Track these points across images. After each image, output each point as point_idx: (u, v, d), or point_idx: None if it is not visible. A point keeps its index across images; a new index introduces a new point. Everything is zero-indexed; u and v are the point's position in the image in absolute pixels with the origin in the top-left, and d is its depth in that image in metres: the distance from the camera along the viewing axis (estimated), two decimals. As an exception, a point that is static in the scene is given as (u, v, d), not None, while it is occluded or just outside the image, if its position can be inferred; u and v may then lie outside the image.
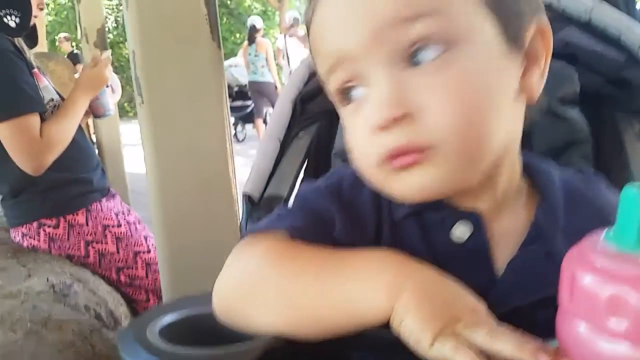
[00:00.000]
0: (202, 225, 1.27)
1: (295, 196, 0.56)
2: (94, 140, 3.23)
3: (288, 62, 7.06)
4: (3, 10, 1.42)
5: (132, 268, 1.58)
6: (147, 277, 1.58)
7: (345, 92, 0.48)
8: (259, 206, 0.89)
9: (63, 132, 1.48)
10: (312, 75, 1.04)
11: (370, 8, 0.44)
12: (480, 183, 0.48)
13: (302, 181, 0.95)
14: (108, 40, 3.48)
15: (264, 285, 0.45)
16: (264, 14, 12.55)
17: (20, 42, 1.50)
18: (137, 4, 1.13)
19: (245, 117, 7.64)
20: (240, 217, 0.94)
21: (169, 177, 1.24)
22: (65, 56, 5.18)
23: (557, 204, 0.50)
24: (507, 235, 0.50)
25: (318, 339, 0.42)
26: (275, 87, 6.77)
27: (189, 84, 1.20)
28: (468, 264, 0.47)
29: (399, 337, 0.39)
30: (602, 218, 0.37)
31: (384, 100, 0.45)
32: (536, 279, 0.47)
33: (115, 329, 1.35)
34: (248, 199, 0.89)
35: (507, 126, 0.46)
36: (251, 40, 6.78)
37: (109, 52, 1.66)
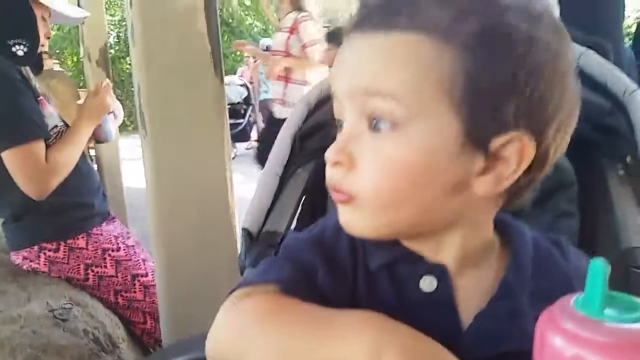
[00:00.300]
0: (202, 253, 1.30)
1: (282, 246, 0.59)
2: (93, 154, 3.26)
3: None
4: (12, 40, 1.46)
5: (130, 291, 1.60)
6: (144, 299, 1.61)
7: (339, 124, 0.53)
8: (257, 241, 0.92)
9: (67, 157, 1.52)
10: (311, 112, 1.08)
11: (353, 69, 0.50)
12: (432, 235, 0.53)
13: (297, 220, 0.99)
14: (109, 55, 3.52)
15: (253, 344, 0.48)
16: (264, 32, 12.68)
17: (26, 69, 1.55)
18: (142, 38, 1.17)
19: (237, 135, 7.71)
20: (239, 248, 0.98)
21: (170, 209, 1.28)
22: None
23: (527, 265, 0.54)
24: (476, 289, 0.53)
25: None
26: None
27: (192, 119, 1.24)
28: (436, 314, 0.51)
29: None
30: (568, 283, 0.41)
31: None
32: (501, 334, 0.50)
33: (113, 352, 1.37)
34: (247, 233, 0.93)
35: (436, 206, 0.50)
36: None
37: (108, 81, 1.71)
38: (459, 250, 0.53)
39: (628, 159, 0.85)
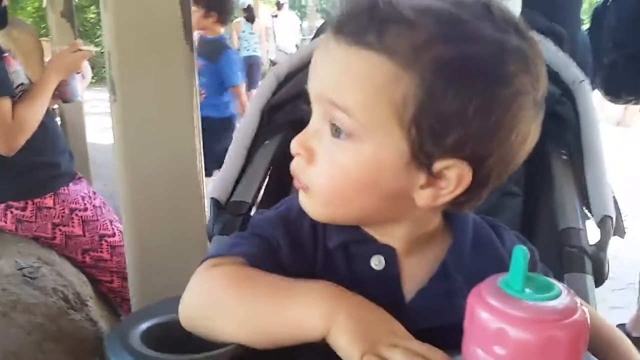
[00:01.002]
0: (170, 220, 1.34)
1: (250, 223, 0.65)
2: (56, 106, 3.22)
3: (274, 39, 8.14)
4: (-25, -4, 1.44)
5: (97, 251, 1.64)
6: (111, 259, 1.65)
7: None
8: (225, 210, 0.97)
9: (34, 113, 1.52)
10: (280, 85, 1.12)
11: (319, 76, 0.55)
12: (377, 225, 0.59)
13: (264, 192, 1.04)
14: (74, 4, 3.42)
15: (224, 306, 0.54)
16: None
17: (-10, 25, 1.53)
18: (114, 7, 1.18)
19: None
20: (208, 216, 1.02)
21: (138, 173, 1.31)
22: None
23: (464, 247, 0.61)
24: (420, 268, 0.60)
25: (268, 348, 0.52)
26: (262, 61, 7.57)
27: (162, 85, 1.26)
28: (383, 289, 0.57)
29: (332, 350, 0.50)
30: (503, 265, 0.47)
31: (300, 136, 0.57)
32: (438, 309, 0.57)
33: (81, 310, 1.42)
34: (215, 202, 0.97)
35: (378, 209, 0.56)
36: (249, 19, 7.23)
37: (96, 49, 1.70)
38: (405, 237, 0.59)
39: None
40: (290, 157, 1.08)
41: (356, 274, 0.58)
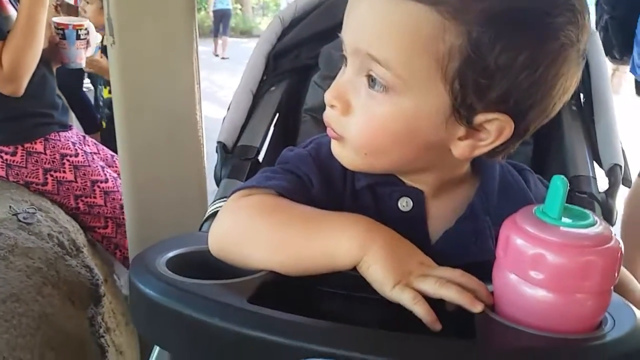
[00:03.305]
0: (169, 166, 1.32)
1: (280, 159, 0.64)
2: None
3: None
4: None
5: (90, 197, 1.61)
6: (105, 205, 1.63)
7: (344, 58, 0.57)
8: (232, 154, 0.96)
9: (26, 50, 1.47)
10: (286, 31, 1.10)
11: (356, 29, 0.53)
12: (409, 173, 0.60)
13: (271, 138, 1.03)
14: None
15: (257, 233, 0.54)
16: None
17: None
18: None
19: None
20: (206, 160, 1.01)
21: (137, 117, 1.28)
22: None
23: (492, 191, 0.62)
24: (446, 211, 0.61)
25: (301, 276, 0.52)
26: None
27: (161, 27, 1.22)
28: (409, 230, 0.57)
29: (363, 278, 0.50)
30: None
31: (335, 87, 0.56)
32: (464, 249, 0.58)
33: (77, 256, 1.41)
34: (222, 146, 0.96)
35: (415, 159, 0.56)
36: None
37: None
38: (434, 182, 0.60)
39: (581, 96, 0.93)
40: (297, 104, 1.08)
41: (383, 215, 0.59)
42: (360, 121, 0.54)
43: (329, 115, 0.57)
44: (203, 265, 0.55)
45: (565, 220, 0.45)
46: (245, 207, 0.56)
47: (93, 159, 1.68)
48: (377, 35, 0.51)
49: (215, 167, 0.95)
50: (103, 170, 1.66)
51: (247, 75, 1.05)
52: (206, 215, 0.85)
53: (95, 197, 1.62)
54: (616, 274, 0.44)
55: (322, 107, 0.97)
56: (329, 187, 0.60)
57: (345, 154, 0.58)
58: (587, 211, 0.46)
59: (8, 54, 1.42)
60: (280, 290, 0.52)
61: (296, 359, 0.42)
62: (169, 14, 1.21)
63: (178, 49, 1.25)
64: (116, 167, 1.77)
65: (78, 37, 1.66)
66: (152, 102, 1.27)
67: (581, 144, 0.89)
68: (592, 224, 0.45)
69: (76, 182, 1.61)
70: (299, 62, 1.08)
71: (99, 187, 1.63)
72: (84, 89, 2.76)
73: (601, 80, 0.91)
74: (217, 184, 0.94)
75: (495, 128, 0.52)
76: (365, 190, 0.61)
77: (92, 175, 1.63)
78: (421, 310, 0.46)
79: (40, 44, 1.49)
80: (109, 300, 1.54)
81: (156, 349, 0.72)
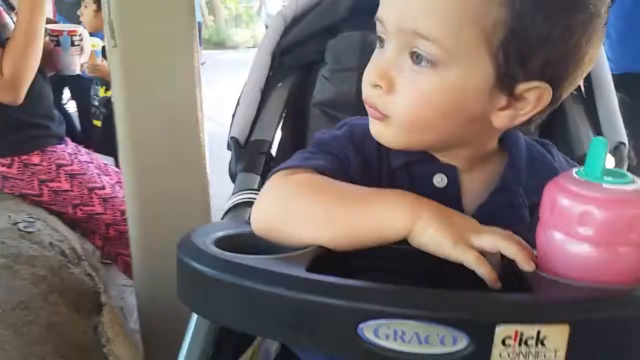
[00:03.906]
0: (171, 168, 1.32)
1: (315, 141, 0.66)
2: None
3: None
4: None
5: (89, 204, 1.61)
6: (105, 212, 1.62)
7: (380, 39, 0.59)
8: (246, 149, 0.97)
9: (25, 57, 1.46)
10: (288, 28, 1.12)
11: (401, 8, 0.55)
12: (448, 149, 0.62)
13: (281, 133, 1.04)
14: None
15: (307, 207, 0.55)
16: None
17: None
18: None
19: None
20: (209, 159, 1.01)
21: (138, 120, 1.28)
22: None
23: (521, 164, 0.64)
24: (479, 186, 0.63)
25: (349, 249, 0.53)
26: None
27: (162, 29, 1.23)
28: (445, 203, 0.58)
29: (413, 250, 0.52)
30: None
31: (378, 67, 0.57)
32: (499, 221, 0.58)
33: (79, 264, 1.40)
34: (235, 141, 0.97)
35: (458, 132, 0.58)
36: None
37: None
38: (467, 157, 0.62)
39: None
40: (304, 100, 1.10)
41: (419, 192, 0.60)
42: (408, 98, 0.56)
43: (371, 96, 0.58)
44: (249, 246, 0.56)
45: (606, 178, 0.47)
46: (291, 185, 0.57)
47: (88, 167, 1.67)
48: (425, 12, 0.53)
49: (230, 162, 0.96)
50: (99, 178, 1.66)
51: (254, 72, 1.06)
52: (227, 208, 0.86)
53: (93, 205, 1.61)
54: (657, 228, 0.46)
55: (332, 101, 1.01)
56: (366, 168, 0.62)
57: (388, 133, 0.59)
58: (623, 171, 0.49)
59: (9, 61, 1.41)
60: (330, 264, 0.53)
61: (358, 322, 0.43)
62: (169, 15, 1.22)
63: (179, 50, 1.26)
64: (110, 174, 1.76)
65: (72, 44, 1.66)
66: (154, 104, 1.28)
67: (585, 124, 0.92)
68: (632, 181, 0.47)
69: (72, 190, 1.60)
70: (303, 58, 1.10)
71: (96, 194, 1.62)
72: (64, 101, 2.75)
73: (599, 63, 0.95)
74: (232, 179, 0.95)
75: (534, 97, 0.55)
76: (402, 169, 0.62)
77: (88, 183, 1.62)
78: (485, 269, 0.48)
79: (39, 51, 1.49)
80: (107, 310, 1.53)
81: (188, 336, 0.73)
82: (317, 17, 1.10)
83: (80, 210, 1.60)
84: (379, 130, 0.60)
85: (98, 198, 1.62)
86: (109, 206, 1.62)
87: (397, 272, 0.52)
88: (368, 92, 0.59)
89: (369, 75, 0.58)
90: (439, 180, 0.62)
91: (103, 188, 1.64)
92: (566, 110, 0.95)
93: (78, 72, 1.78)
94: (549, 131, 0.99)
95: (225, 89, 3.82)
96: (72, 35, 1.68)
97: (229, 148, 0.99)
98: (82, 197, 1.60)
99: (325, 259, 0.52)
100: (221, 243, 0.54)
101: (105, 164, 1.80)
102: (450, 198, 0.61)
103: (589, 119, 0.93)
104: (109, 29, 1.20)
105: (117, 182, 1.74)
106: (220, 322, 0.52)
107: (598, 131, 0.92)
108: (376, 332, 0.43)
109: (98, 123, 2.31)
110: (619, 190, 0.46)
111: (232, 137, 0.98)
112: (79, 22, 2.17)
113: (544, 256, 0.50)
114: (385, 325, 0.43)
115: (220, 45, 11.85)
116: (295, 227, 0.54)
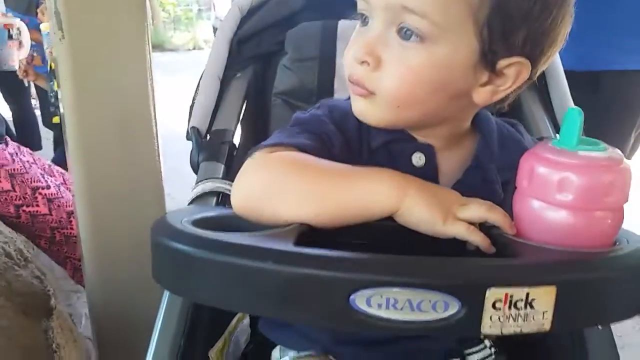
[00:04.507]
0: (121, 162, 1.28)
1: (296, 121, 0.64)
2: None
3: None
4: None
5: (32, 205, 1.53)
6: (50, 213, 1.54)
7: (362, 17, 0.59)
8: (208, 138, 0.95)
9: None
10: (245, 19, 1.10)
11: None
12: (428, 127, 0.63)
13: (242, 124, 1.03)
14: None
15: (291, 184, 0.54)
16: None
17: None
18: None
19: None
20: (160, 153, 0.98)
21: (88, 116, 1.23)
22: None
23: (493, 142, 0.66)
24: (455, 164, 0.65)
25: (334, 227, 0.53)
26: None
27: (112, 21, 1.18)
28: None
29: (398, 227, 0.52)
30: None
31: (365, 44, 0.57)
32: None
33: (26, 267, 1.33)
34: (196, 131, 0.95)
35: (441, 109, 0.59)
36: None
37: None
38: (445, 136, 0.64)
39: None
40: (264, 89, 1.09)
41: (398, 170, 0.61)
42: (396, 74, 0.56)
43: (357, 73, 0.58)
44: (227, 227, 0.54)
45: (581, 147, 0.49)
46: (274, 162, 0.56)
47: (31, 167, 1.59)
48: None
49: (191, 152, 0.94)
50: (43, 177, 1.58)
51: (212, 61, 1.04)
52: (192, 197, 0.83)
53: (38, 205, 1.53)
54: (629, 192, 0.49)
55: (294, 90, 1.00)
56: (347, 147, 0.61)
57: (374, 110, 0.59)
58: (595, 140, 0.51)
59: None
60: (315, 241, 0.53)
61: (350, 292, 0.43)
62: (119, 7, 1.18)
63: (129, 43, 1.22)
64: (55, 175, 1.68)
65: (10, 37, 1.58)
66: (104, 99, 1.23)
67: (539, 109, 0.96)
68: (606, 149, 0.49)
69: (14, 190, 1.52)
70: (261, 49, 1.08)
71: (40, 194, 1.55)
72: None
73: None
74: (194, 169, 0.93)
75: (514, 72, 0.57)
76: (381, 149, 0.63)
77: (31, 183, 1.55)
78: (478, 237, 0.49)
79: None
80: (57, 314, 1.46)
81: (156, 332, 0.71)
82: (275, 7, 1.09)
83: (24, 211, 1.52)
84: (363, 108, 0.60)
85: (43, 198, 1.54)
86: (54, 207, 1.55)
87: (382, 248, 0.53)
88: (353, 69, 0.58)
89: (355, 51, 0.58)
90: (418, 159, 0.63)
91: (48, 187, 1.56)
92: (521, 98, 0.98)
93: (15, 67, 1.69)
94: (502, 114, 1.02)
95: (165, 90, 3.76)
96: (9, 28, 1.60)
97: (188, 138, 0.97)
98: (25, 197, 1.52)
99: (309, 236, 0.51)
100: (199, 224, 0.53)
101: (50, 165, 1.72)
102: (427, 176, 0.61)
103: (543, 106, 0.97)
104: (56, 20, 1.14)
105: (63, 183, 1.67)
106: (206, 302, 0.50)
107: (552, 117, 0.95)
108: (368, 301, 0.43)
109: (57, 119, 2.19)
110: (595, 157, 0.48)
111: (192, 127, 0.95)
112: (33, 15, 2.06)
113: (522, 225, 0.52)
114: (378, 294, 0.43)
115: (159, 47, 11.61)
116: (277, 204, 0.53)
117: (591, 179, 0.47)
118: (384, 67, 0.57)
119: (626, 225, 0.51)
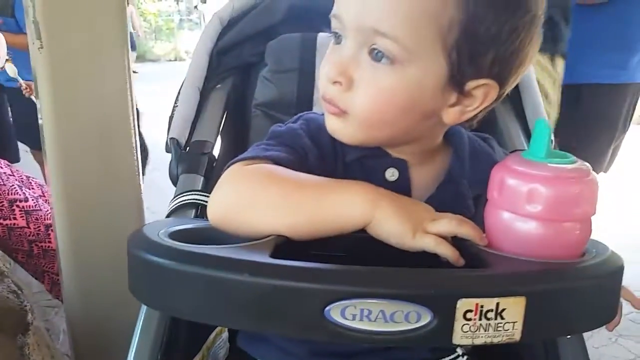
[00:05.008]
0: (100, 174, 1.27)
1: (270, 136, 0.65)
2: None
3: None
4: None
5: (9, 218, 1.51)
6: (28, 226, 1.52)
7: (336, 35, 0.60)
8: (187, 150, 0.95)
9: None
10: (225, 30, 1.11)
11: (360, 5, 0.56)
12: (400, 144, 0.64)
13: (222, 136, 1.03)
14: None
15: (267, 196, 0.55)
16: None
17: None
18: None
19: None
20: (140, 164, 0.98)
21: (67, 127, 1.22)
22: None
23: (465, 156, 0.67)
24: (427, 179, 0.66)
25: (310, 238, 0.54)
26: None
27: (92, 30, 1.18)
28: None
29: (374, 238, 0.53)
30: None
31: (337, 64, 0.59)
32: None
33: (2, 281, 1.31)
34: (176, 143, 0.95)
35: (412, 128, 0.61)
36: None
37: None
38: (418, 152, 0.65)
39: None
40: (244, 101, 1.09)
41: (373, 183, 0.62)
42: (367, 94, 0.57)
43: (330, 92, 0.59)
44: (204, 240, 0.55)
45: (550, 159, 0.50)
46: (250, 175, 0.57)
47: (8, 179, 1.57)
48: (385, 10, 0.54)
49: (170, 164, 0.94)
50: (21, 189, 1.56)
51: (192, 72, 1.04)
52: (170, 209, 0.83)
53: (15, 219, 1.51)
54: (596, 204, 0.50)
55: (273, 102, 1.01)
56: (322, 161, 0.62)
57: (346, 130, 0.60)
58: (564, 152, 0.52)
59: None
60: (290, 254, 0.53)
61: (325, 304, 0.44)
62: (99, 16, 1.18)
63: (109, 52, 1.22)
64: (33, 188, 1.66)
65: None
66: (83, 110, 1.23)
67: (514, 122, 0.97)
68: (574, 161, 0.50)
69: (-11, 204, 1.50)
70: (241, 60, 1.09)
71: (18, 206, 1.53)
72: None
73: (526, 66, 1.00)
74: (173, 181, 0.93)
75: (481, 93, 0.59)
76: (355, 163, 0.64)
77: (8, 195, 1.53)
78: (446, 249, 0.50)
79: None
80: (34, 330, 1.44)
81: (133, 347, 0.70)
82: (255, 19, 1.10)
83: (0, 224, 1.50)
84: (336, 126, 0.61)
85: (20, 210, 1.52)
86: (32, 219, 1.53)
87: (358, 259, 0.53)
88: (326, 89, 0.59)
89: (328, 71, 0.59)
90: (391, 174, 0.64)
91: (25, 200, 1.54)
92: (496, 111, 1.00)
93: None
94: (476, 129, 1.04)
95: (145, 100, 3.74)
96: None
97: (167, 150, 0.96)
98: (1, 209, 1.50)
99: (285, 248, 0.52)
100: (176, 236, 0.53)
101: (28, 177, 1.70)
102: (400, 191, 0.62)
103: (517, 119, 0.98)
104: (34, 30, 1.14)
105: (41, 195, 1.65)
106: (182, 315, 0.50)
107: (526, 130, 0.97)
108: (343, 313, 0.44)
109: None
110: (563, 168, 0.49)
111: (171, 138, 0.95)
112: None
113: (493, 236, 0.53)
114: (352, 305, 0.44)
115: (140, 57, 11.57)
116: (253, 216, 0.54)
117: (559, 190, 0.48)
118: (355, 88, 0.58)
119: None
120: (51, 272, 1.55)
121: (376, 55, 0.56)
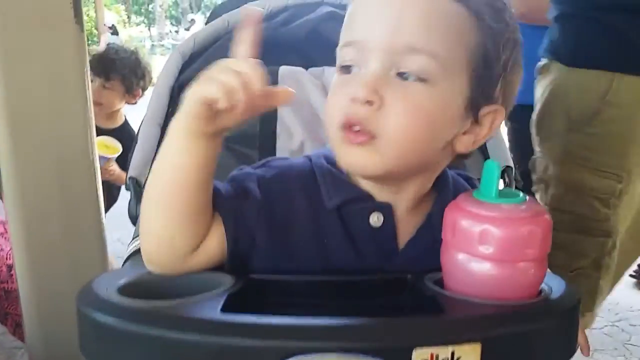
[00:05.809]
0: (61, 214, 1.24)
1: (228, 178, 0.64)
2: None
3: None
4: None
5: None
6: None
7: (346, 67, 0.59)
8: (147, 189, 0.93)
9: None
10: (187, 64, 1.10)
11: (393, 25, 0.55)
12: (400, 184, 0.62)
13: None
14: None
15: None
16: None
17: None
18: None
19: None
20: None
21: (26, 166, 1.19)
22: None
23: (448, 200, 0.62)
24: (410, 222, 0.63)
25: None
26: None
27: (50, 70, 1.16)
28: (379, 243, 0.61)
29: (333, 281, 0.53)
30: None
31: (367, 83, 0.56)
32: (425, 255, 0.60)
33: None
34: (135, 182, 0.93)
35: (431, 156, 0.60)
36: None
37: None
38: (412, 195, 0.62)
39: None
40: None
41: (354, 231, 0.61)
42: (400, 111, 0.55)
43: (359, 114, 0.55)
44: (156, 291, 0.53)
45: (501, 199, 0.50)
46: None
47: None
48: (422, 30, 0.55)
49: (129, 204, 0.91)
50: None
51: (153, 108, 1.03)
52: (128, 254, 0.81)
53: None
54: (550, 243, 0.50)
55: (237, 136, 1.00)
56: (273, 209, 0.61)
57: (372, 159, 0.56)
58: (515, 190, 0.53)
59: None
60: (246, 300, 0.52)
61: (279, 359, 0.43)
62: (59, 52, 1.16)
63: (68, 88, 1.19)
64: (-5, 225, 1.62)
65: None
66: (42, 144, 1.19)
67: (475, 152, 0.98)
68: (525, 200, 0.51)
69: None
70: (202, 95, 1.08)
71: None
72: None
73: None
74: (133, 221, 0.91)
75: (489, 120, 0.59)
76: (336, 209, 0.61)
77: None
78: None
79: None
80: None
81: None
82: (217, 53, 1.09)
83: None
84: (359, 157, 0.57)
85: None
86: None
87: (311, 303, 0.53)
88: (353, 110, 0.56)
89: (356, 92, 0.55)
90: (376, 219, 0.61)
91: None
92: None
93: None
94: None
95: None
96: None
97: (127, 188, 0.95)
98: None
99: (238, 296, 0.51)
100: (125, 290, 0.52)
101: (-10, 213, 1.65)
102: (385, 236, 0.61)
103: (480, 152, 0.99)
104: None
105: (4, 232, 1.60)
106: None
107: (487, 157, 0.98)
108: (298, 368, 0.43)
109: None
110: (514, 208, 0.49)
111: (130, 178, 0.94)
112: None
113: (449, 277, 0.52)
114: (308, 360, 0.43)
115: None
116: (153, 235, 0.56)
117: (510, 230, 0.48)
118: (387, 107, 0.55)
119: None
120: (14, 314, 1.50)
121: (404, 75, 0.55)
